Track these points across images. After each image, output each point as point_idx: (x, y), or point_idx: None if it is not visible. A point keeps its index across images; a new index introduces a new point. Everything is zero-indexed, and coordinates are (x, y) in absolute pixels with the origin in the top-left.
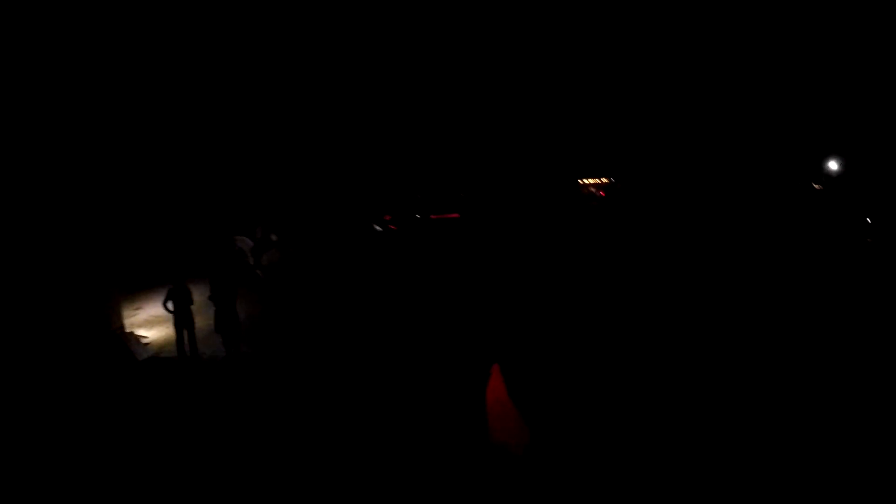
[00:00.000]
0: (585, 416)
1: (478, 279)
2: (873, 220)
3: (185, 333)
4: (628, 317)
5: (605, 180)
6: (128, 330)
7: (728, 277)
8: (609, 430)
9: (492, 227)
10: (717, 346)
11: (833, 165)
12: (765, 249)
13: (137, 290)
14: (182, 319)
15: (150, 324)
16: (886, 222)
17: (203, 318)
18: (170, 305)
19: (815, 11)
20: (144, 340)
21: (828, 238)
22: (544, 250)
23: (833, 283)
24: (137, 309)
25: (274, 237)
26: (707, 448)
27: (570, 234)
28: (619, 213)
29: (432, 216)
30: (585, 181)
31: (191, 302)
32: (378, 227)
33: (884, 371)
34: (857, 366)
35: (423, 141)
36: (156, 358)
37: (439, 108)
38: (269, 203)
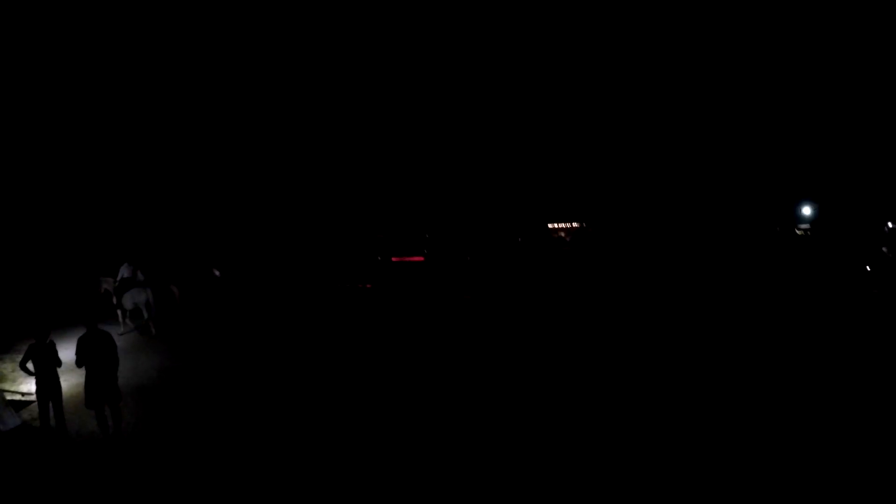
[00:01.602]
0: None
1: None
2: (873, 268)
3: (51, 405)
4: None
5: (575, 225)
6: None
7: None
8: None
9: (460, 268)
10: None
11: (807, 210)
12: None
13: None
14: (46, 387)
15: None
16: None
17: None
18: (30, 366)
19: (780, 61)
20: (26, 397)
21: (824, 283)
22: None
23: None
24: None
25: (141, 276)
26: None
27: (540, 276)
28: (588, 254)
29: (394, 258)
30: (555, 226)
31: (57, 363)
32: (217, 272)
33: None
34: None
35: (384, 180)
36: (27, 427)
37: (403, 146)
38: (142, 237)
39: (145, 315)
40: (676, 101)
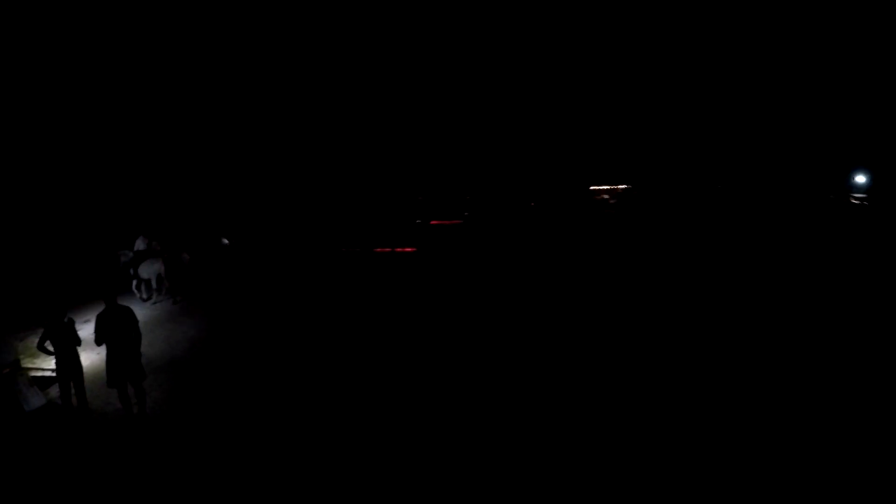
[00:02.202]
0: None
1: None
2: None
3: (72, 385)
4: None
5: (621, 187)
6: (29, 357)
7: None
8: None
9: (498, 233)
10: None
11: (861, 178)
12: (792, 259)
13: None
14: (66, 366)
15: None
16: None
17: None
18: (49, 346)
19: (841, 24)
20: (48, 372)
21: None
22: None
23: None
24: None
25: (156, 247)
26: None
27: (581, 240)
28: (632, 220)
29: (433, 221)
30: (598, 188)
31: (77, 342)
32: (225, 241)
33: None
34: None
35: (423, 142)
36: (52, 406)
37: (442, 109)
38: (158, 209)
39: (154, 285)
40: (727, 63)
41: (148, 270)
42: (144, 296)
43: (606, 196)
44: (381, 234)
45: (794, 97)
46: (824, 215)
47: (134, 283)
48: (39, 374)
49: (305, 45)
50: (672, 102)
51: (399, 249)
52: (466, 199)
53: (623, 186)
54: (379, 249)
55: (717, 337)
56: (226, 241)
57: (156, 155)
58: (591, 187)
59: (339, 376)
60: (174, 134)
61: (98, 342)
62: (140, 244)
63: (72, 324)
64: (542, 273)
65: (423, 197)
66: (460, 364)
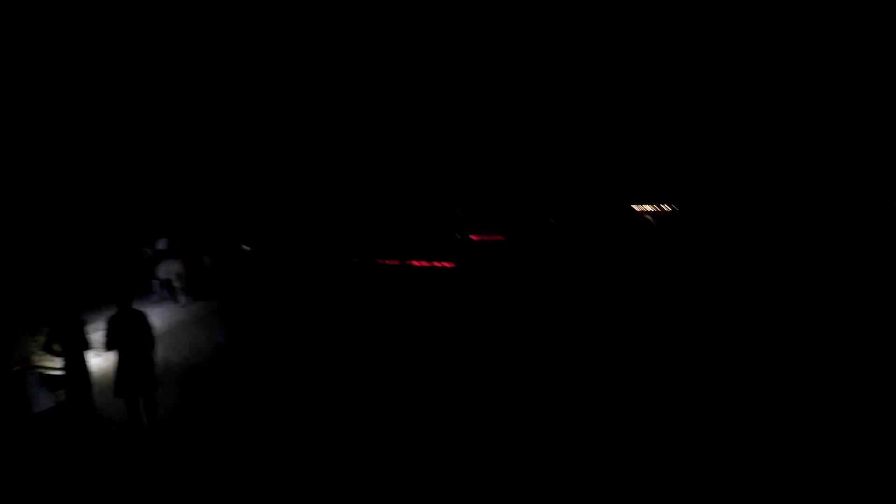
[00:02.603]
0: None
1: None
2: None
3: (80, 391)
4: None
5: (665, 208)
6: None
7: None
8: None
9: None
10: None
11: None
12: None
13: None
14: (73, 370)
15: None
16: None
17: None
18: (57, 348)
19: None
20: (60, 372)
21: None
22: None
23: None
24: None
25: (179, 247)
26: None
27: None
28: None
29: (473, 237)
30: (642, 208)
31: (86, 345)
32: (246, 248)
33: None
34: None
35: (465, 156)
36: (60, 409)
37: (487, 125)
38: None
39: (175, 284)
40: (770, 84)
41: (166, 270)
42: (170, 299)
43: (650, 217)
44: (417, 246)
45: (841, 119)
46: (871, 240)
47: (154, 283)
48: (53, 373)
49: (352, 55)
50: (718, 124)
51: (437, 264)
52: (508, 215)
53: (668, 207)
54: (415, 263)
55: (759, 366)
56: (246, 248)
57: (184, 161)
58: (634, 207)
59: (366, 394)
60: (206, 141)
61: (108, 347)
62: (162, 244)
63: (82, 325)
64: (584, 297)
65: (463, 211)
66: (494, 385)
